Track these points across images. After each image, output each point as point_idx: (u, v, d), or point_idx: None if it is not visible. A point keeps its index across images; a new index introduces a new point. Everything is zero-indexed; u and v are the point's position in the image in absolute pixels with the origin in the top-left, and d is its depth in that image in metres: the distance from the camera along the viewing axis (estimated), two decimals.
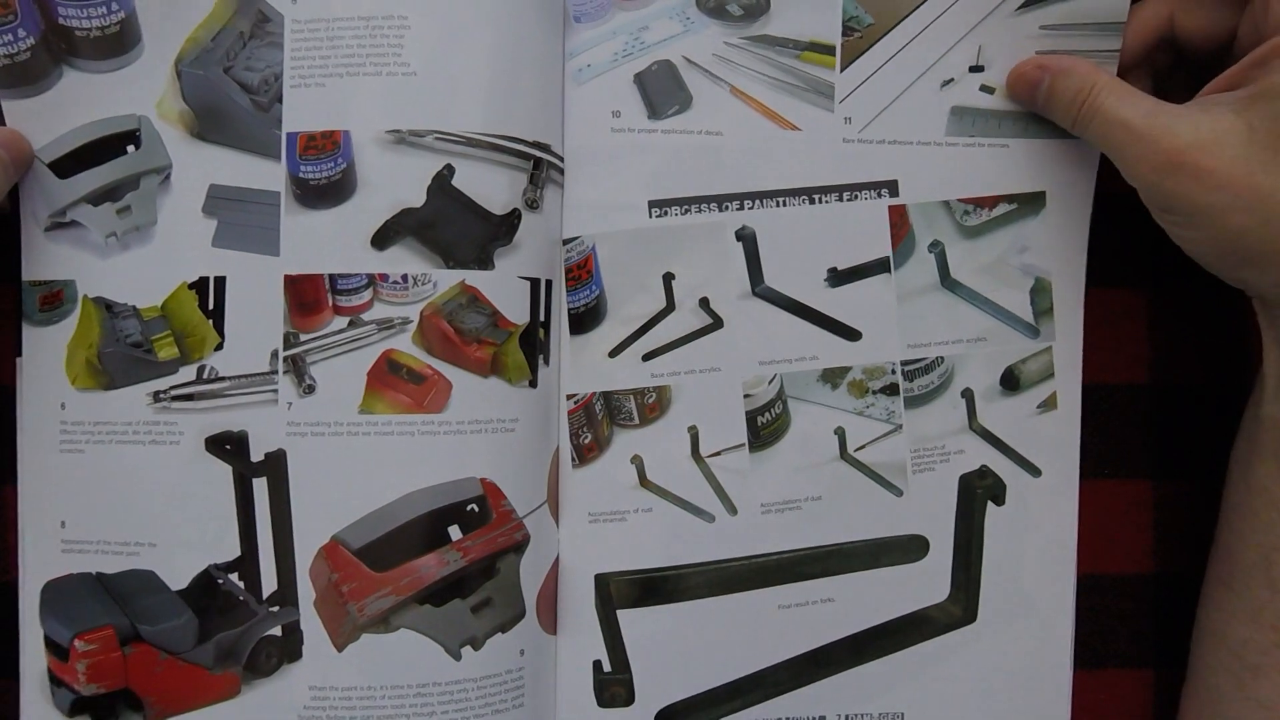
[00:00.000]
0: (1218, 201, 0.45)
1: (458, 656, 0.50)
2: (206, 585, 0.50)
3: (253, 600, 0.50)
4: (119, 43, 0.51)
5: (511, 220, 0.51)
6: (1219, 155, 0.44)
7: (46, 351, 0.51)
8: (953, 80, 0.53)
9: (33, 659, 0.51)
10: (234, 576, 0.50)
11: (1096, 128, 0.48)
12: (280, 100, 0.51)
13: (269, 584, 0.50)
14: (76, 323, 0.51)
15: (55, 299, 0.51)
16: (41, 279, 0.51)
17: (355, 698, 0.50)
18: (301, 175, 0.50)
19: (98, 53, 0.51)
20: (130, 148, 0.51)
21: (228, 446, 0.50)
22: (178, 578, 0.50)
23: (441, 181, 0.50)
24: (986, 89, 0.53)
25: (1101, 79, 0.48)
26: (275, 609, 0.50)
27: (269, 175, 0.51)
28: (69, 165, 0.51)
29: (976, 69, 0.53)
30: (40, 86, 0.51)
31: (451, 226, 0.50)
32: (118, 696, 0.49)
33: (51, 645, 0.50)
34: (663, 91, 0.53)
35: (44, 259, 0.51)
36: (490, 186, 0.51)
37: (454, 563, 0.51)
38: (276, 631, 0.50)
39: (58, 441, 0.51)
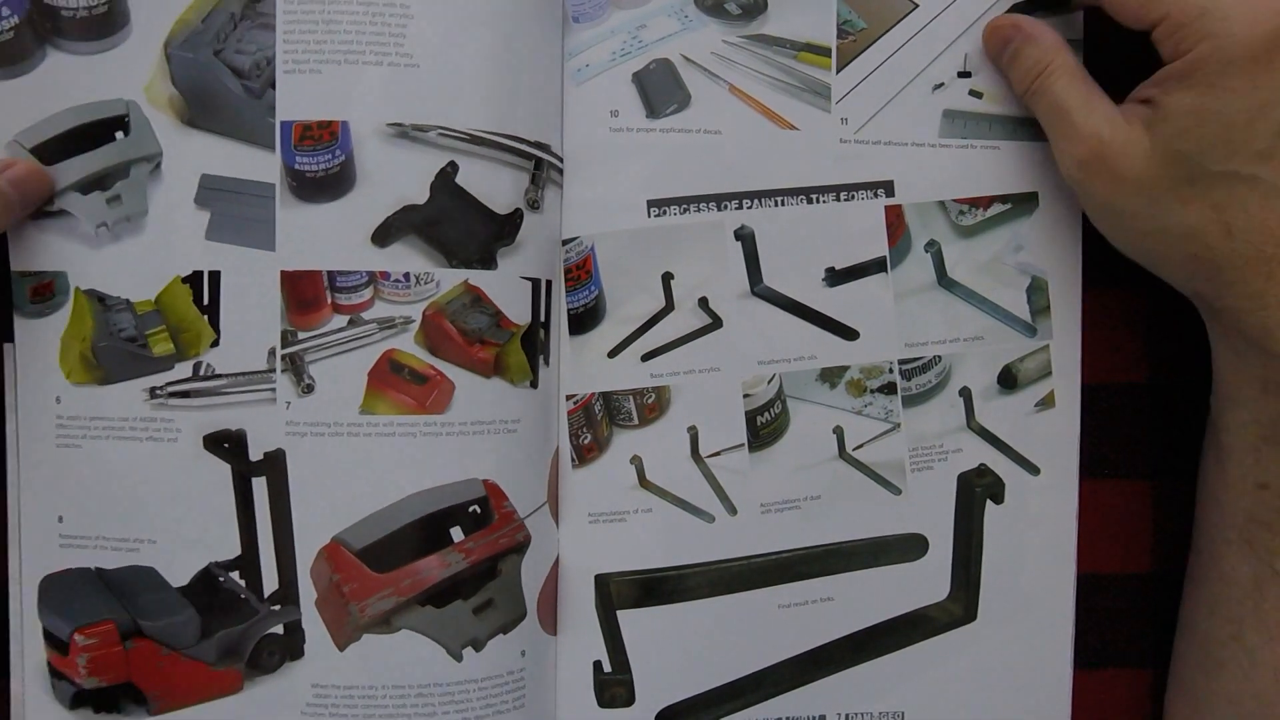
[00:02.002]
0: (1126, 205, 0.49)
1: (459, 657, 0.52)
2: (207, 583, 0.52)
3: (254, 599, 0.52)
4: (106, 23, 0.51)
5: (515, 220, 0.53)
6: (1128, 164, 0.48)
7: (39, 344, 0.52)
8: (943, 84, 0.56)
9: (30, 652, 0.52)
10: (235, 575, 0.52)
11: (1040, 106, 0.52)
12: (273, 86, 0.51)
13: (270, 583, 0.52)
14: (69, 315, 0.52)
15: (46, 290, 0.52)
16: (31, 269, 0.52)
17: (357, 696, 0.51)
18: (298, 167, 0.51)
19: (84, 33, 0.51)
20: (119, 134, 0.52)
21: (226, 445, 0.51)
22: (178, 575, 0.52)
23: (445, 179, 0.51)
24: (975, 94, 0.56)
25: (1059, 59, 0.52)
26: (277, 608, 0.52)
27: (263, 166, 0.51)
28: (55, 151, 0.51)
29: (964, 74, 0.56)
30: (23, 68, 0.51)
31: (455, 225, 0.52)
32: (120, 690, 0.51)
33: (51, 639, 0.51)
34: (661, 90, 0.55)
35: (32, 249, 0.52)
36: (493, 185, 0.52)
37: (456, 564, 0.52)
38: (278, 629, 0.52)
39: (54, 436, 0.52)
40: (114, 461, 0.51)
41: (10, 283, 0.52)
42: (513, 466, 0.53)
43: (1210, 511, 0.53)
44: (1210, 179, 0.47)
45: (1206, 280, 0.49)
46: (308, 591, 0.51)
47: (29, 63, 0.51)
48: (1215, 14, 0.46)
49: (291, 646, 0.52)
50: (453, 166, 0.51)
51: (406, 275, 0.52)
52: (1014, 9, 0.56)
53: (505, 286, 0.53)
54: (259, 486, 0.51)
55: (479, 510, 0.52)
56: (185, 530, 0.51)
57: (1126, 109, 0.50)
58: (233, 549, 0.52)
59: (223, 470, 0.51)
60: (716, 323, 0.56)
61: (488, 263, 0.52)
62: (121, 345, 0.51)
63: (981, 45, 0.55)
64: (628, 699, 0.55)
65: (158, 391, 0.52)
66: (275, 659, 0.52)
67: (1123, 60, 0.56)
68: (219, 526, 0.51)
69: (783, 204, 0.56)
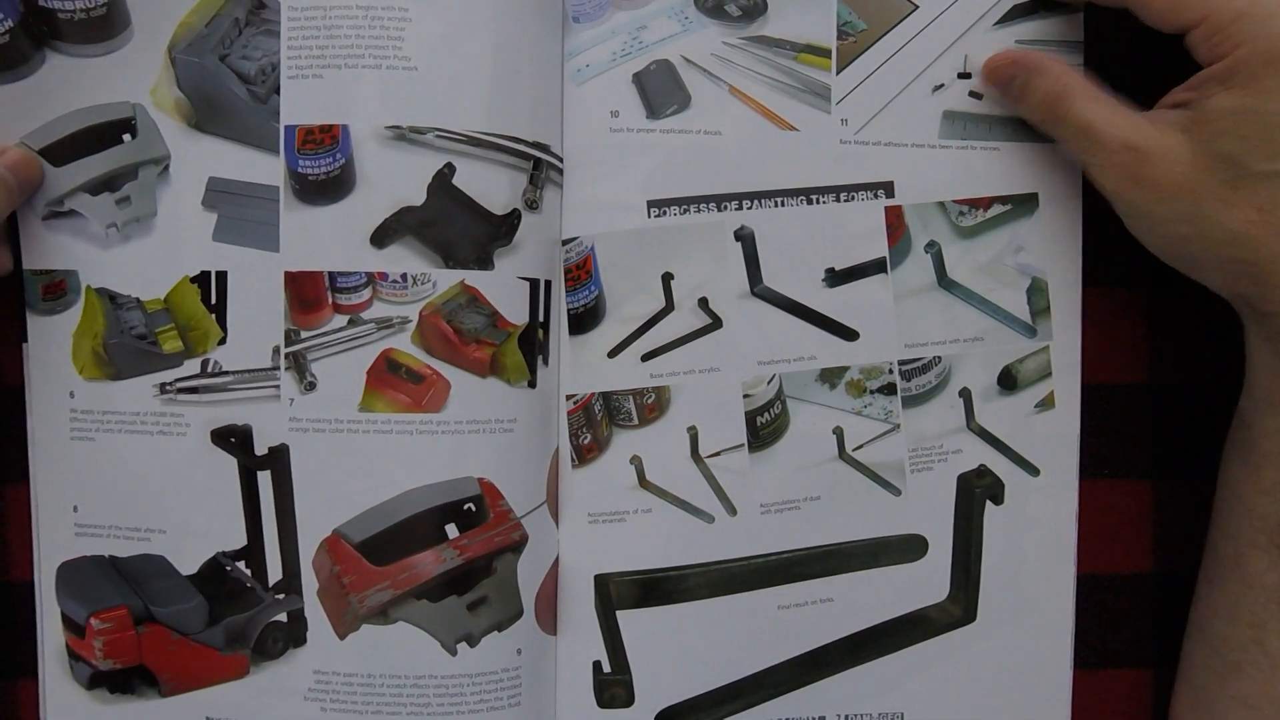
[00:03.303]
0: (1165, 211, 0.51)
1: (453, 652, 0.55)
2: (215, 571, 0.56)
3: (259, 587, 0.56)
4: (106, 26, 0.54)
5: (512, 220, 0.56)
6: (1167, 170, 0.50)
7: (52, 341, 0.56)
8: (943, 85, 0.58)
9: (50, 635, 0.56)
10: (241, 564, 0.56)
11: (1063, 130, 0.54)
12: (278, 91, 0.54)
13: (274, 572, 0.56)
14: (81, 313, 0.55)
15: (58, 289, 0.55)
16: (43, 268, 0.56)
17: (356, 684, 0.55)
18: (300, 170, 0.54)
19: (83, 36, 0.54)
20: (126, 136, 0.55)
21: (233, 440, 0.55)
22: (187, 563, 0.56)
23: (442, 180, 0.54)
24: (975, 95, 0.58)
25: (1073, 82, 0.54)
26: (281, 596, 0.55)
27: (268, 169, 0.55)
28: (63, 153, 0.55)
29: (964, 76, 0.58)
30: (22, 71, 0.54)
31: (452, 226, 0.55)
32: (133, 672, 0.55)
33: (68, 622, 0.56)
34: (661, 91, 0.58)
35: (44, 248, 0.56)
36: (490, 186, 0.55)
37: (450, 560, 0.55)
38: (282, 617, 0.56)
39: (68, 429, 0.56)
40: (126, 454, 0.55)
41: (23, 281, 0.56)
42: (510, 465, 0.56)
43: (1236, 515, 0.54)
44: (1254, 180, 0.49)
45: (1251, 283, 0.51)
46: (310, 582, 0.55)
47: (28, 66, 0.54)
48: (1255, 16, 0.48)
49: (295, 634, 0.56)
50: (450, 168, 0.54)
51: (404, 276, 0.55)
52: (1016, 10, 0.58)
53: (503, 287, 0.56)
54: (264, 480, 0.55)
55: (474, 508, 0.55)
56: (194, 521, 0.55)
57: (1157, 115, 0.52)
58: (239, 539, 0.55)
59: (229, 464, 0.55)
60: (716, 323, 0.58)
61: (484, 263, 0.55)
62: (132, 342, 0.55)
63: (985, 82, 0.58)
64: (627, 699, 0.58)
65: (167, 387, 0.55)
66: (279, 646, 0.56)
67: (1123, 60, 0.58)
68: (226, 518, 0.55)
69: (782, 204, 0.58)
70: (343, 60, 0.54)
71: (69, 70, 0.54)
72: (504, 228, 0.55)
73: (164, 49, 0.55)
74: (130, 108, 0.55)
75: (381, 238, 0.54)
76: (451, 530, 0.56)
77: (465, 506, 0.55)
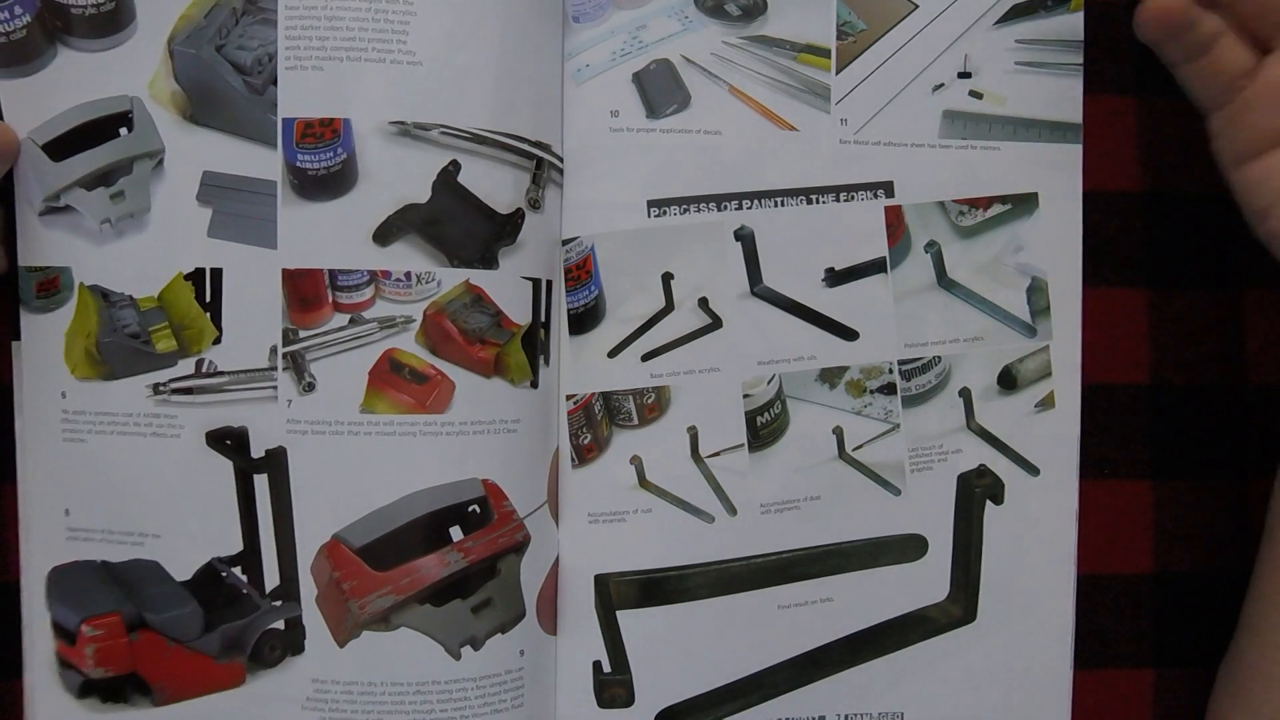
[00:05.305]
0: None
1: (457, 656, 0.54)
2: (210, 577, 0.53)
3: (255, 594, 0.53)
4: (114, 20, 0.53)
5: (516, 219, 0.54)
6: None
7: (45, 339, 0.54)
8: (943, 85, 0.58)
9: (39, 642, 0.54)
10: (237, 570, 0.53)
11: None
12: (275, 83, 0.53)
13: (271, 579, 0.54)
14: (74, 311, 0.53)
15: (51, 285, 0.53)
16: (37, 264, 0.53)
17: (356, 692, 0.53)
18: (299, 164, 0.53)
19: (93, 30, 0.53)
20: (123, 130, 0.53)
21: (228, 442, 0.53)
22: (182, 569, 0.53)
23: (447, 177, 0.53)
24: (975, 94, 0.58)
25: None
26: (278, 603, 0.53)
27: (265, 163, 0.53)
28: (62, 148, 0.53)
29: (964, 75, 0.58)
30: (35, 66, 0.53)
31: (457, 224, 0.53)
32: (126, 680, 0.53)
33: (59, 629, 0.53)
34: (661, 90, 0.57)
35: (39, 244, 0.53)
36: (495, 185, 0.54)
37: (455, 563, 0.54)
38: (280, 625, 0.54)
39: (60, 430, 0.53)
40: (119, 456, 0.53)
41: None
42: (512, 466, 0.55)
43: None
44: None
45: None
46: (308, 588, 0.53)
47: (40, 61, 0.53)
48: None
49: (292, 642, 0.53)
50: (455, 165, 0.53)
51: (407, 274, 0.53)
52: (1015, 9, 0.57)
53: (506, 286, 0.55)
54: (260, 483, 0.53)
55: (478, 510, 0.54)
56: (188, 525, 0.53)
57: None
58: (235, 545, 0.53)
59: (225, 467, 0.53)
60: (716, 323, 0.58)
61: (489, 262, 0.54)
62: (125, 341, 0.53)
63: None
64: (627, 699, 0.57)
65: (161, 388, 0.53)
66: (276, 654, 0.53)
67: (1123, 59, 0.58)
68: (221, 522, 0.53)
69: (782, 204, 0.57)
70: (344, 53, 0.52)
71: (76, 64, 0.53)
72: (508, 226, 0.54)
73: (164, 42, 0.53)
74: (128, 101, 0.53)
75: (385, 235, 0.53)
76: (455, 532, 0.54)
77: (470, 508, 0.54)
